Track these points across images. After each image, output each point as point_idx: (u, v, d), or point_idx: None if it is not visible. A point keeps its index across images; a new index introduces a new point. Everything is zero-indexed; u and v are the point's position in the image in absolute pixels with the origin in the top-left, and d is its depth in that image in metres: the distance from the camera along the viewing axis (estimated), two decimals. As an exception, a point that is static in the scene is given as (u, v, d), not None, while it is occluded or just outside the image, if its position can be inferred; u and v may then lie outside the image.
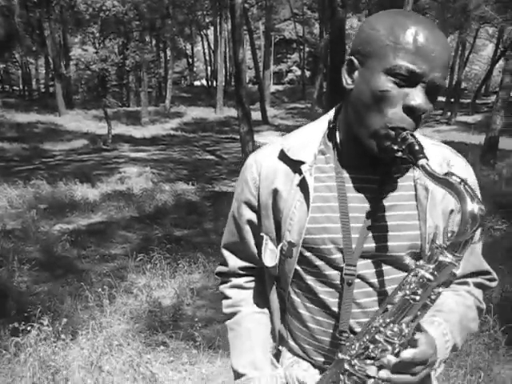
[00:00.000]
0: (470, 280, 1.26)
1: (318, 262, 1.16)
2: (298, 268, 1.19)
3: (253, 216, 1.26)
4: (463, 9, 23.18)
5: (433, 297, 1.02)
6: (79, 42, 32.64)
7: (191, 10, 33.23)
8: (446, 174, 0.97)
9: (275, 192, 1.19)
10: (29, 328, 2.91)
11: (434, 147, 1.19)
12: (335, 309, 1.16)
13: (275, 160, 1.21)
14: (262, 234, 1.24)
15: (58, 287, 4.48)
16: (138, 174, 12.15)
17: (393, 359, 1.00)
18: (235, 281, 1.36)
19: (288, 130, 25.12)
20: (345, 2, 11.11)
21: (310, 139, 1.20)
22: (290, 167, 1.18)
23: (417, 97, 1.02)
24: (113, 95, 18.85)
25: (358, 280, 1.14)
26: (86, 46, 19.54)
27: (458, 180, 0.94)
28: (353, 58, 1.09)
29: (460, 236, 0.95)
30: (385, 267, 1.14)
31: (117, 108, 24.10)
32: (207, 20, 40.13)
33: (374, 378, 1.04)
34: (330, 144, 1.19)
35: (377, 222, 1.13)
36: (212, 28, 41.14)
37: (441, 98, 32.57)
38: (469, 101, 33.40)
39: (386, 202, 1.15)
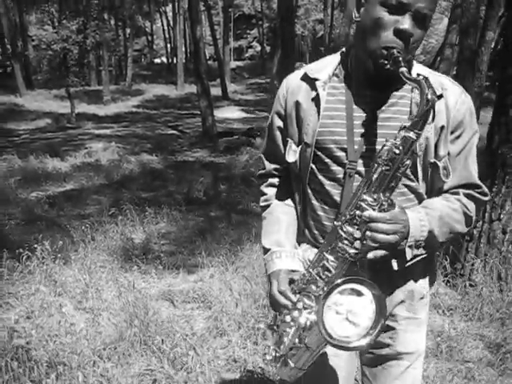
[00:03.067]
0: (460, 190, 1.46)
1: (327, 160, 1.44)
2: (313, 166, 1.47)
3: (281, 124, 1.56)
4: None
5: (402, 169, 1.27)
6: (37, 22, 32.45)
7: (149, -13, 33.46)
8: (418, 75, 1.25)
9: (297, 104, 1.49)
10: (35, 246, 3.78)
11: (432, 75, 1.41)
12: (337, 198, 1.44)
13: (299, 80, 1.51)
14: (287, 138, 1.53)
15: (46, 233, 5.32)
16: (103, 148, 12.79)
17: (372, 213, 1.26)
18: (270, 180, 1.65)
19: (248, 104, 26.11)
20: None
21: (326, 65, 1.50)
22: (309, 85, 1.48)
23: (405, 22, 1.27)
24: (74, 74, 19.24)
25: (357, 175, 1.39)
26: (45, 25, 19.74)
27: (422, 77, 1.23)
28: None
29: (419, 116, 1.22)
30: None
31: (79, 87, 24.44)
32: (165, -3, 40.27)
33: (359, 239, 1.28)
34: (343, 69, 1.48)
35: (376, 130, 1.38)
36: (170, 5, 41.21)
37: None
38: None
39: (385, 114, 1.39)
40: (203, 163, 10.57)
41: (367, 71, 1.37)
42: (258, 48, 50.87)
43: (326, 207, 1.47)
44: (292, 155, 1.50)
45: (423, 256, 1.43)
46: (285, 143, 1.55)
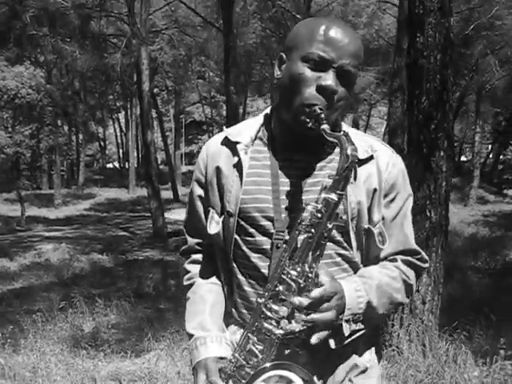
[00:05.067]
0: (398, 257, 1.36)
1: (251, 230, 1.31)
2: (237, 237, 1.34)
3: (202, 192, 1.43)
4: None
5: (325, 234, 1.18)
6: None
7: (102, 95, 34.66)
8: (339, 131, 1.18)
9: (218, 170, 1.37)
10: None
11: (362, 137, 1.37)
12: (265, 271, 1.29)
13: (219, 144, 1.40)
14: (209, 208, 1.40)
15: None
16: (53, 249, 12.82)
17: (304, 301, 1.14)
18: (194, 257, 1.52)
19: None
20: (238, 89, 12.83)
21: (247, 127, 1.40)
22: (230, 149, 1.37)
23: (328, 78, 1.20)
24: (26, 178, 19.49)
25: (285, 245, 1.22)
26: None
27: (343, 133, 1.17)
28: (282, 53, 1.30)
29: (338, 174, 1.15)
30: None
31: (30, 190, 24.56)
32: (118, 104, 41.55)
33: (285, 317, 1.16)
34: (267, 132, 1.38)
35: (304, 196, 1.26)
36: (123, 112, 42.49)
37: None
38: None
39: (313, 179, 1.29)
40: (153, 261, 10.75)
41: (291, 132, 1.30)
42: (209, 153, 52.07)
43: (254, 282, 1.33)
44: (214, 227, 1.38)
45: (362, 332, 1.31)
46: (206, 214, 1.43)
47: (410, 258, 1.37)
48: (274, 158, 1.33)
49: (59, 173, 26.89)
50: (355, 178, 1.28)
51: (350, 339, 1.28)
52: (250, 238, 1.33)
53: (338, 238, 1.29)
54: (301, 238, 1.18)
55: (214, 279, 1.47)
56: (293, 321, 1.17)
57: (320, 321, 1.16)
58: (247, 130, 1.39)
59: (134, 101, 31.74)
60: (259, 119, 1.42)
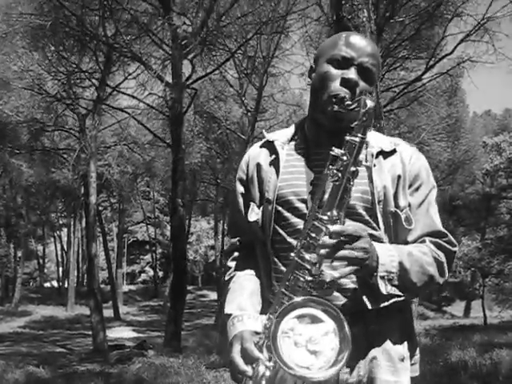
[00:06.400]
0: (427, 238, 1.42)
1: (286, 214, 1.45)
2: (275, 225, 1.47)
3: (243, 189, 1.60)
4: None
5: (350, 177, 1.27)
6: None
7: (45, 211, 34.28)
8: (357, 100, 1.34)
9: (258, 165, 1.55)
10: None
11: (388, 137, 1.54)
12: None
13: (259, 147, 1.60)
14: (250, 202, 1.55)
15: None
16: (-18, 365, 12.06)
17: (327, 239, 1.21)
18: (235, 254, 1.62)
19: (140, 325, 25.76)
20: (185, 203, 13.14)
21: (283, 132, 1.60)
22: (269, 148, 1.56)
23: (350, 73, 1.40)
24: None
25: (315, 195, 1.34)
26: None
27: (362, 97, 1.32)
28: (312, 65, 1.54)
29: (359, 122, 1.29)
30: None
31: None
32: (61, 222, 40.98)
33: (316, 264, 1.21)
34: (301, 134, 1.57)
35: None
36: (65, 229, 41.80)
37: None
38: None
39: None
40: (94, 373, 10.31)
41: (322, 130, 1.48)
42: (151, 273, 51.17)
43: (289, 262, 1.34)
44: (254, 216, 1.52)
45: (400, 299, 1.35)
46: (247, 208, 1.56)
47: (438, 240, 1.42)
48: (307, 152, 1.51)
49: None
50: (380, 167, 1.43)
51: (387, 303, 1.34)
52: (285, 222, 1.45)
53: (367, 217, 1.40)
54: (328, 183, 1.27)
55: (252, 271, 1.56)
56: (324, 270, 1.23)
57: (341, 256, 1.21)
58: (283, 133, 1.60)
59: (78, 216, 31.56)
60: (292, 127, 1.62)
